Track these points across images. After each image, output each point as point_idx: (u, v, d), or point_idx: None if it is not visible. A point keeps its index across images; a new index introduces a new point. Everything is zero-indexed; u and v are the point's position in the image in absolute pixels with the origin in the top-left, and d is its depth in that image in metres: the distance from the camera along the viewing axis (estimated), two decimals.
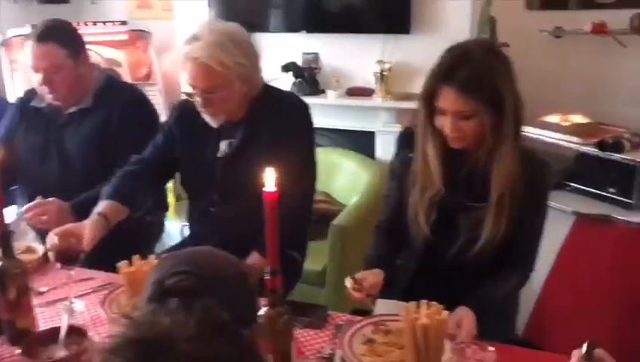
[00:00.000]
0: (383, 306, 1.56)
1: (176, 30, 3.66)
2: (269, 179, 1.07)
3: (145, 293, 0.91)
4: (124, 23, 3.79)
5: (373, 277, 1.48)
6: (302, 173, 1.79)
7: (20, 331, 1.44)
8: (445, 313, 1.08)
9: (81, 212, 1.96)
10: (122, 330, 0.76)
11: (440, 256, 1.56)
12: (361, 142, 3.24)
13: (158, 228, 2.40)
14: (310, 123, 1.88)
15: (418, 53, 3.06)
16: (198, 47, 1.68)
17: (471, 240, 1.50)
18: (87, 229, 1.62)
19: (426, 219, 1.54)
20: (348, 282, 1.45)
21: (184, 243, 2.07)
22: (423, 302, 1.08)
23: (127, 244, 1.76)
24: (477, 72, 1.41)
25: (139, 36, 3.84)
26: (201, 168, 1.89)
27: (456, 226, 1.53)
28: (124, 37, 3.79)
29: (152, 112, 2.28)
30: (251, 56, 1.78)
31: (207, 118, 1.81)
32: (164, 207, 2.42)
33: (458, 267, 1.53)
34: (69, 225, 1.64)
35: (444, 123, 1.45)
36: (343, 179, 3.09)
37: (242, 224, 1.75)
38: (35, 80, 2.10)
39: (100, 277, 1.75)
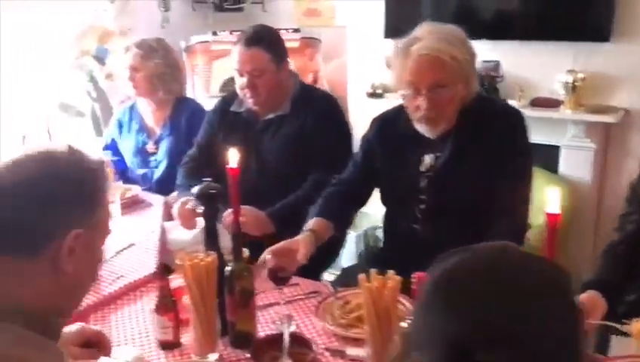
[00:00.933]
0: (619, 344, 1.39)
1: (347, 37, 3.66)
2: (553, 200, 0.97)
3: (425, 346, 0.70)
4: (296, 30, 3.87)
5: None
6: (525, 189, 1.66)
7: (240, 334, 1.45)
8: None
9: (279, 219, 1.98)
10: None
11: None
12: (543, 157, 3.01)
13: (342, 239, 2.38)
14: (528, 134, 1.75)
15: (619, 62, 2.81)
16: (423, 45, 1.61)
17: None
18: (301, 245, 1.63)
19: None
20: None
21: (379, 259, 2.00)
22: None
23: (319, 255, 1.74)
24: None
25: (309, 43, 3.89)
26: (403, 183, 1.81)
27: None
28: (296, 44, 3.85)
29: (343, 120, 2.26)
30: (473, 57, 1.70)
31: (423, 128, 1.72)
32: None
33: None
34: (284, 243, 1.62)
35: None
36: None
37: (449, 245, 1.65)
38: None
39: (304, 283, 1.74)
